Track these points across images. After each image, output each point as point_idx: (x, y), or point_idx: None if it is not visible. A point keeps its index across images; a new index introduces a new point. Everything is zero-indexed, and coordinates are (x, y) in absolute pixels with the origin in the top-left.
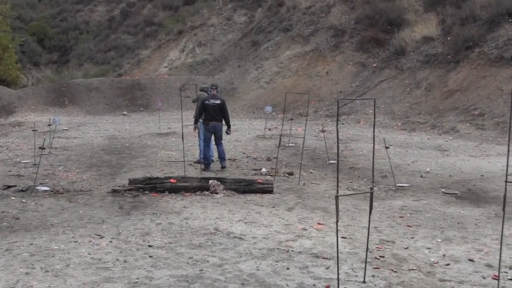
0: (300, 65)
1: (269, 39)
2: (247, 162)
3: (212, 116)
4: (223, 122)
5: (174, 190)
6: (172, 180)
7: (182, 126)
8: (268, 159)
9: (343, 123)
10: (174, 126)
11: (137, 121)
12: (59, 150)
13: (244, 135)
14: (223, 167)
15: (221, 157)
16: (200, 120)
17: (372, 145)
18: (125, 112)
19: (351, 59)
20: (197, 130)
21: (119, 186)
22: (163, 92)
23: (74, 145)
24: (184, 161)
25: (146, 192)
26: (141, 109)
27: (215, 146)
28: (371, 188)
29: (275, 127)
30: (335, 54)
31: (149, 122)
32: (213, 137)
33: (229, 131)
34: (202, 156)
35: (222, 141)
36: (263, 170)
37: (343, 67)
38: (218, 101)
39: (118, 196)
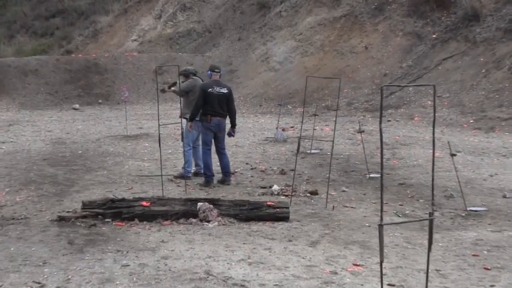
0: (327, 38)
1: (282, 0)
2: (252, 176)
3: (215, 110)
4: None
5: (148, 217)
6: (144, 203)
7: (159, 125)
8: (282, 172)
9: (389, 120)
10: (147, 125)
11: (94, 119)
12: None
13: (248, 138)
14: (224, 183)
15: (225, 171)
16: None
17: (431, 151)
18: (77, 106)
19: (400, 27)
20: (190, 129)
21: (68, 212)
22: (131, 77)
23: (1, 154)
24: (161, 175)
25: (107, 220)
26: (100, 100)
27: (212, 154)
28: (431, 214)
29: (292, 127)
30: (378, 20)
31: (111, 119)
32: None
33: (234, 132)
34: (188, 167)
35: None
36: (275, 188)
37: (389, 39)
38: (224, 90)
39: (67, 225)
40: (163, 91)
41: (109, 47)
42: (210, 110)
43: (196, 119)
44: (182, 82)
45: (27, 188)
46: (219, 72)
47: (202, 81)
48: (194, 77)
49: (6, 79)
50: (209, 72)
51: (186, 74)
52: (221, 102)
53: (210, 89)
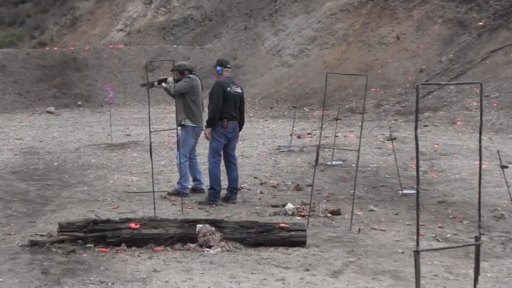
0: (352, 26)
1: None
2: (261, 192)
3: (230, 113)
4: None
5: (137, 241)
6: (133, 225)
7: (150, 132)
8: (298, 188)
9: (426, 125)
10: (136, 131)
11: (73, 124)
12: None
13: (256, 147)
14: (229, 201)
15: (232, 187)
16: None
17: (477, 162)
18: (52, 109)
19: (439, 13)
20: (208, 137)
21: (42, 236)
22: (117, 74)
23: None
24: (153, 191)
25: (88, 245)
26: (79, 102)
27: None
28: (477, 238)
29: (309, 133)
30: (412, 5)
31: (92, 125)
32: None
33: (237, 138)
34: (184, 182)
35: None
36: (289, 206)
37: (425, 28)
38: (239, 89)
39: (41, 252)
40: (151, 85)
41: (90, 38)
42: (227, 113)
43: (190, 124)
44: (176, 80)
45: None
46: (231, 67)
47: (200, 79)
48: (191, 75)
49: None
50: (219, 68)
51: (181, 71)
52: (237, 104)
53: (229, 88)
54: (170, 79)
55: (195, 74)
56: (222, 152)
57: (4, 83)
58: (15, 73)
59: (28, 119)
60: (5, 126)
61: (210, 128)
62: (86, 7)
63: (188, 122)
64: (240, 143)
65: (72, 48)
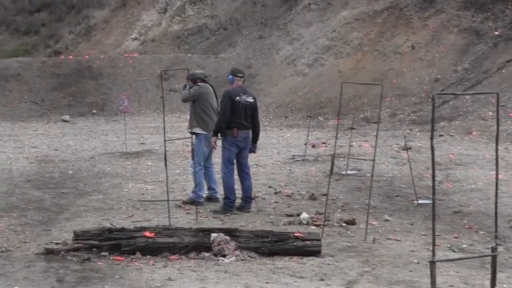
0: (367, 35)
1: None
2: (276, 202)
3: (241, 123)
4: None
5: (152, 250)
6: (147, 234)
7: (165, 140)
8: (312, 198)
9: (441, 135)
10: (150, 140)
11: (88, 132)
12: None
13: (271, 156)
14: (243, 210)
15: (246, 196)
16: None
17: (493, 173)
18: (67, 117)
19: (454, 23)
20: (214, 145)
21: (57, 244)
22: (132, 83)
23: None
24: (168, 200)
25: (103, 253)
26: (94, 111)
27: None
28: (494, 249)
29: (324, 142)
30: (427, 15)
31: (107, 133)
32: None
33: (255, 148)
34: (199, 191)
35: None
36: (304, 216)
37: (441, 37)
38: (250, 99)
39: (56, 260)
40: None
41: (104, 47)
42: (236, 122)
43: (201, 132)
44: (190, 88)
45: (8, 215)
46: (243, 77)
47: (212, 87)
48: (201, 83)
49: None
50: (230, 77)
51: (193, 79)
52: (248, 113)
53: (238, 98)
54: (188, 86)
55: (207, 82)
56: (236, 162)
57: (20, 92)
58: (30, 81)
59: (43, 127)
60: (21, 135)
61: (216, 137)
62: (101, 16)
63: (199, 130)
64: (255, 154)
65: (87, 57)
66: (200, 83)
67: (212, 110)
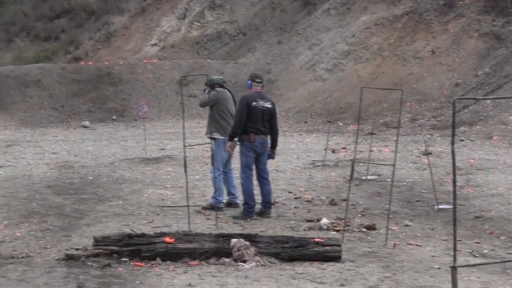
0: (386, 40)
1: None
2: (296, 207)
3: (257, 128)
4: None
5: (172, 256)
6: (167, 239)
7: (185, 146)
8: (332, 203)
9: (462, 140)
10: (170, 146)
11: (107, 138)
12: None
13: (290, 161)
14: (263, 215)
15: (265, 201)
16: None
17: None
18: (87, 123)
19: (475, 27)
20: (230, 150)
21: (77, 249)
22: (151, 89)
23: None
24: (188, 205)
25: (123, 259)
26: (114, 117)
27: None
28: None
29: (344, 148)
30: (447, 19)
31: (127, 139)
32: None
33: (274, 154)
34: (219, 197)
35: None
36: (324, 221)
37: (461, 42)
38: (268, 104)
39: (76, 266)
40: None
41: (124, 53)
42: (253, 127)
43: (219, 137)
44: (208, 93)
45: (28, 221)
46: (261, 82)
47: (230, 92)
48: (219, 88)
49: (3, 91)
50: (249, 82)
51: (211, 85)
52: (265, 118)
53: (254, 103)
54: (207, 91)
55: (225, 88)
56: (254, 167)
57: (40, 98)
58: (50, 87)
59: (63, 133)
60: (41, 140)
61: (231, 142)
62: (121, 22)
63: (217, 135)
64: (272, 160)
65: (106, 63)
66: (218, 88)
67: (230, 115)
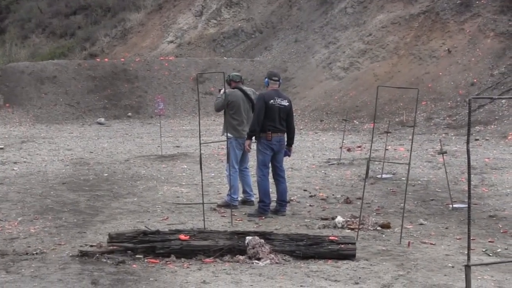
0: (402, 39)
1: None
2: (311, 205)
3: (275, 126)
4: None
5: (186, 253)
6: (182, 237)
7: (200, 143)
8: (347, 201)
9: (477, 139)
10: (185, 143)
11: (123, 135)
12: None
13: (306, 160)
14: (278, 213)
15: (281, 200)
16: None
17: None
18: (102, 120)
19: (491, 27)
20: (248, 148)
21: (91, 246)
22: (167, 86)
23: (13, 176)
24: (203, 203)
25: (138, 256)
26: (129, 114)
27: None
28: None
29: (359, 146)
30: (464, 18)
31: (142, 136)
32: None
33: (290, 151)
34: (234, 194)
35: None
36: (339, 219)
37: (477, 41)
38: (285, 102)
39: (90, 262)
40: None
41: (140, 50)
42: (271, 125)
43: (230, 135)
44: (224, 92)
45: (43, 217)
46: (278, 80)
47: (243, 90)
48: (228, 90)
49: (18, 87)
50: (266, 80)
51: (228, 82)
52: (282, 116)
53: (272, 101)
54: (222, 91)
55: (239, 87)
56: (271, 165)
57: (55, 94)
58: (66, 84)
59: (79, 130)
60: (56, 137)
61: (250, 140)
62: (137, 19)
63: (229, 134)
64: (290, 157)
65: (122, 59)
66: (227, 90)
67: (241, 115)
